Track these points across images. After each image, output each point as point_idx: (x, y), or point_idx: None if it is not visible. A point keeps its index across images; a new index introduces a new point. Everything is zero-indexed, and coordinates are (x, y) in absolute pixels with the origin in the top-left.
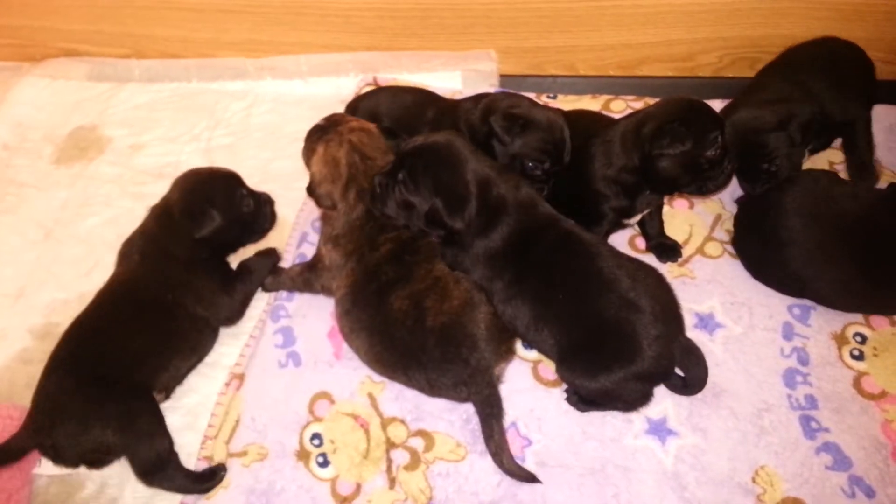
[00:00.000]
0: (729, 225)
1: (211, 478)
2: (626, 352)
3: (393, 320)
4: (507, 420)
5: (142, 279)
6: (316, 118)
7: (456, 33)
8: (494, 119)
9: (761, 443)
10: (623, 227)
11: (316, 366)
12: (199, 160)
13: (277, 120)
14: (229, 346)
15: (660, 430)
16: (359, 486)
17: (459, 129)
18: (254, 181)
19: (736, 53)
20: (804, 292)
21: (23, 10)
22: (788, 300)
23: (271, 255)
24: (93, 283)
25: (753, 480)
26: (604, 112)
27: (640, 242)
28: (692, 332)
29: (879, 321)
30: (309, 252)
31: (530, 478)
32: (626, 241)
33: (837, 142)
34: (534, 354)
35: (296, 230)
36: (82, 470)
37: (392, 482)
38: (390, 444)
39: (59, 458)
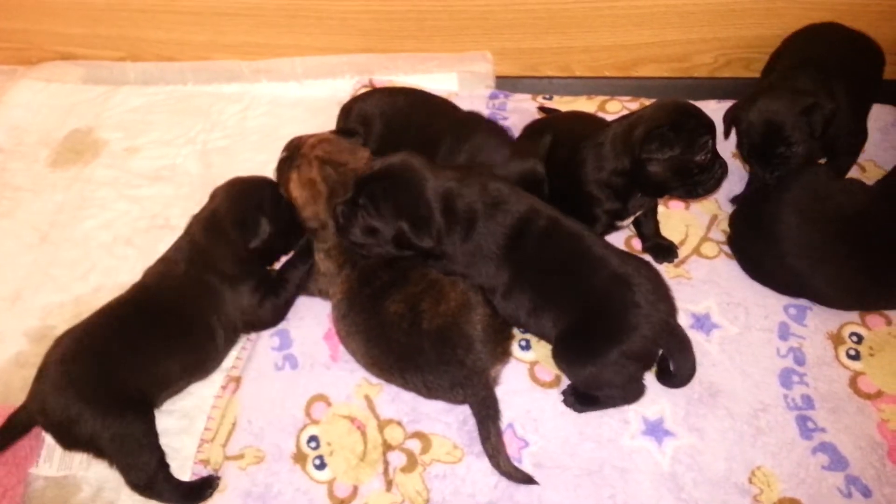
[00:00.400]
0: (725, 225)
1: (201, 491)
2: (619, 327)
3: (389, 324)
4: (504, 421)
5: (181, 290)
6: (312, 120)
7: (452, 35)
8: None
9: (758, 443)
10: (617, 228)
11: (312, 368)
12: (195, 163)
13: (273, 122)
14: None
15: (656, 430)
16: (356, 489)
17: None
18: None
19: (731, 54)
20: (802, 291)
21: (18, 13)
22: (785, 300)
23: (305, 258)
24: (89, 285)
25: (750, 481)
26: (599, 113)
27: (637, 243)
28: (688, 333)
29: (875, 321)
30: None
31: (527, 479)
32: (622, 242)
33: None
34: (530, 355)
35: None
36: (79, 473)
37: (389, 484)
38: (387, 447)
39: (56, 435)
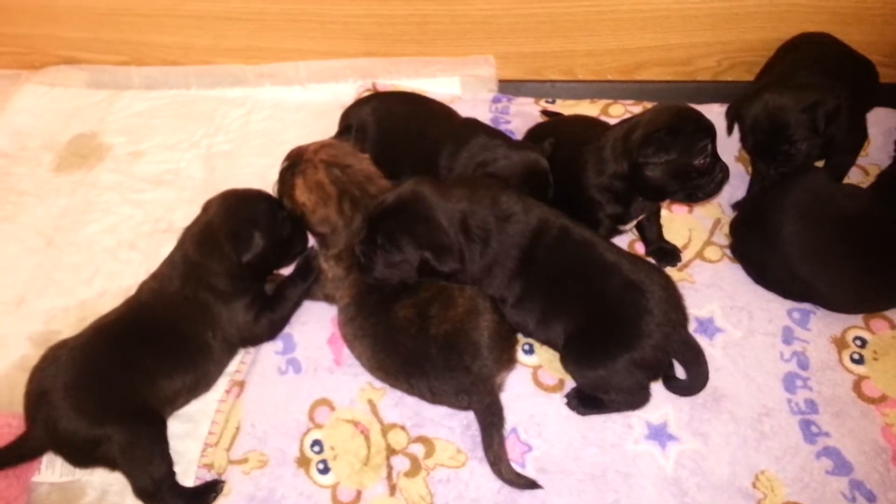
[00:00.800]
0: (728, 229)
1: (205, 496)
2: (631, 333)
3: (398, 328)
4: (508, 426)
5: (176, 308)
6: (315, 124)
7: (454, 39)
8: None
9: (762, 447)
10: (620, 232)
11: (316, 372)
12: (199, 167)
13: (276, 126)
14: None
15: (660, 435)
16: (359, 493)
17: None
18: (253, 187)
19: (735, 57)
20: (808, 296)
21: (22, 17)
22: (788, 304)
23: (306, 275)
24: (93, 290)
25: (754, 485)
26: (602, 117)
27: (640, 247)
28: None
29: (879, 325)
30: None
31: (530, 485)
32: (625, 246)
33: None
34: (534, 360)
35: None
36: (84, 477)
37: (392, 489)
38: (391, 451)
39: (71, 458)
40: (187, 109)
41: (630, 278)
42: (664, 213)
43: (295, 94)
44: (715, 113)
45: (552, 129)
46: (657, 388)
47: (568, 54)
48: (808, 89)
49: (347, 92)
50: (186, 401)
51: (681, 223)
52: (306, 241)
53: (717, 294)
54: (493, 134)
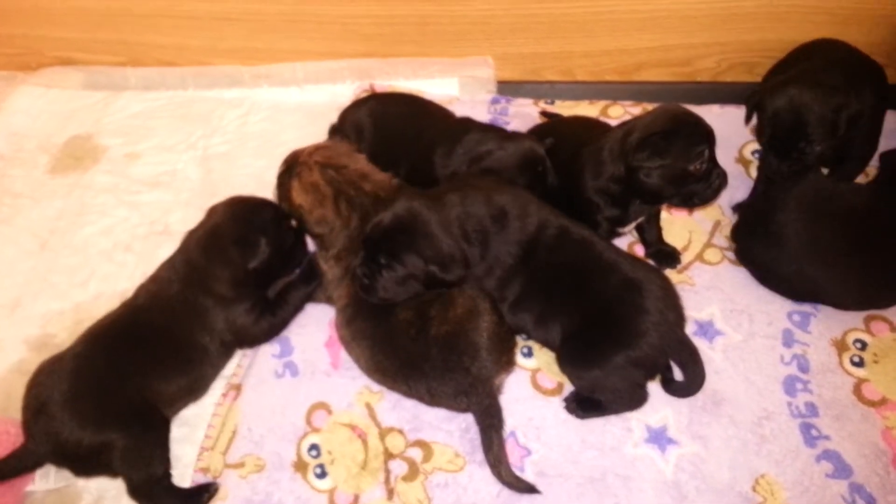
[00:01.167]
0: (728, 232)
1: (199, 498)
2: (627, 332)
3: (397, 331)
4: (507, 429)
5: (174, 311)
6: (312, 126)
7: (453, 40)
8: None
9: (762, 451)
10: (619, 234)
11: (313, 376)
12: (196, 169)
13: (274, 128)
14: None
15: (660, 438)
16: (357, 498)
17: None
18: (250, 189)
19: (734, 58)
20: (814, 293)
21: (18, 18)
22: (788, 307)
23: (309, 281)
24: (88, 292)
25: (754, 489)
26: (601, 118)
27: (640, 249)
28: (692, 340)
29: (880, 327)
30: None
31: (529, 489)
32: (624, 247)
33: None
34: (533, 363)
35: None
36: (79, 482)
37: (390, 493)
38: (388, 455)
39: (75, 468)
40: (184, 111)
41: (629, 277)
42: (664, 215)
43: (292, 96)
44: (714, 114)
45: (551, 130)
46: (656, 391)
47: (567, 55)
48: (835, 90)
49: (345, 93)
50: (185, 404)
51: (681, 225)
52: (306, 251)
53: (716, 297)
54: (486, 129)
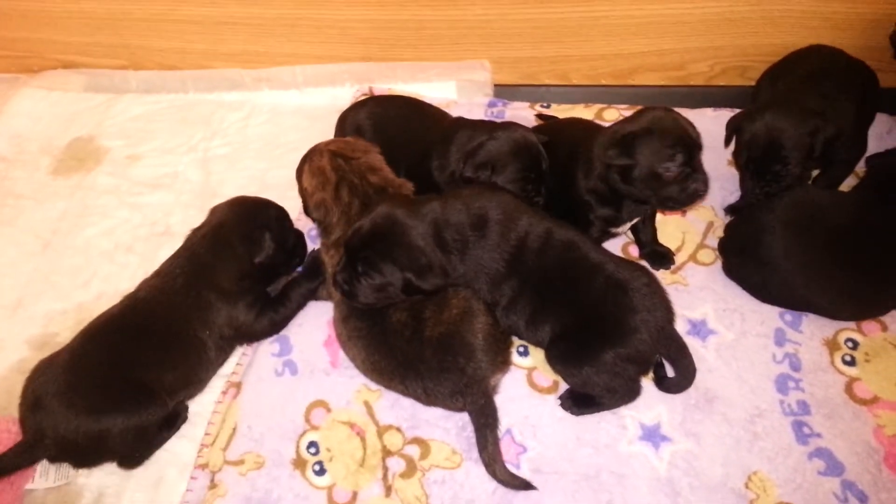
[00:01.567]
0: (721, 232)
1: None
2: (616, 330)
3: (392, 331)
4: (502, 427)
5: (175, 305)
6: (312, 128)
7: (450, 44)
8: (466, 173)
9: (754, 448)
10: (613, 235)
11: (312, 374)
12: (196, 171)
13: (274, 130)
14: None
15: (653, 436)
16: (355, 494)
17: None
18: (251, 191)
19: (727, 62)
20: (808, 308)
21: (20, 22)
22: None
23: (312, 278)
24: (90, 293)
25: (746, 486)
26: (596, 121)
27: (634, 250)
28: (685, 339)
29: (871, 327)
30: None
31: (525, 486)
32: (619, 248)
33: None
34: (528, 362)
35: None
36: (80, 479)
37: (388, 490)
38: (386, 452)
39: (76, 460)
40: (185, 113)
41: (615, 277)
42: (658, 216)
43: (292, 99)
44: (708, 118)
45: (548, 131)
46: (650, 389)
47: (562, 59)
48: (811, 114)
49: (344, 96)
50: (185, 394)
51: (674, 226)
52: (306, 250)
53: (709, 296)
54: (476, 125)
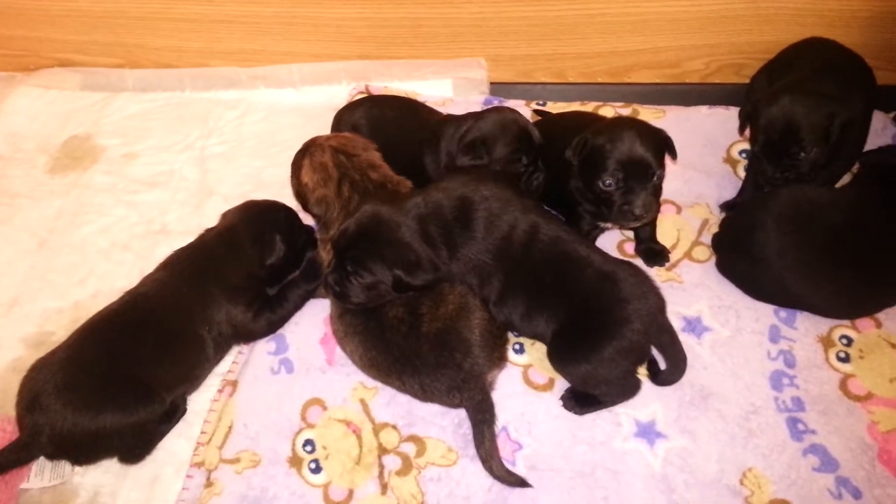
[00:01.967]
0: (716, 230)
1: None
2: (611, 322)
3: (388, 327)
4: (498, 424)
5: (178, 299)
6: (308, 126)
7: (446, 42)
8: (461, 161)
9: (749, 445)
10: (601, 228)
11: (308, 372)
12: (193, 169)
13: (270, 128)
14: None
15: (648, 432)
16: (351, 492)
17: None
18: (247, 189)
19: (722, 60)
20: (802, 306)
21: (16, 20)
22: None
23: (310, 279)
24: (87, 291)
25: (741, 482)
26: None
27: (629, 247)
28: (680, 336)
29: (865, 324)
30: None
31: (520, 482)
32: (614, 244)
33: None
34: (524, 359)
35: None
36: (75, 478)
37: (384, 488)
38: (382, 450)
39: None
40: (181, 112)
41: (603, 270)
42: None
43: (288, 97)
44: (703, 115)
45: (547, 124)
46: (645, 386)
47: (558, 57)
48: (828, 98)
49: (340, 94)
50: (183, 391)
51: (669, 224)
52: (315, 246)
53: (704, 293)
54: (465, 116)
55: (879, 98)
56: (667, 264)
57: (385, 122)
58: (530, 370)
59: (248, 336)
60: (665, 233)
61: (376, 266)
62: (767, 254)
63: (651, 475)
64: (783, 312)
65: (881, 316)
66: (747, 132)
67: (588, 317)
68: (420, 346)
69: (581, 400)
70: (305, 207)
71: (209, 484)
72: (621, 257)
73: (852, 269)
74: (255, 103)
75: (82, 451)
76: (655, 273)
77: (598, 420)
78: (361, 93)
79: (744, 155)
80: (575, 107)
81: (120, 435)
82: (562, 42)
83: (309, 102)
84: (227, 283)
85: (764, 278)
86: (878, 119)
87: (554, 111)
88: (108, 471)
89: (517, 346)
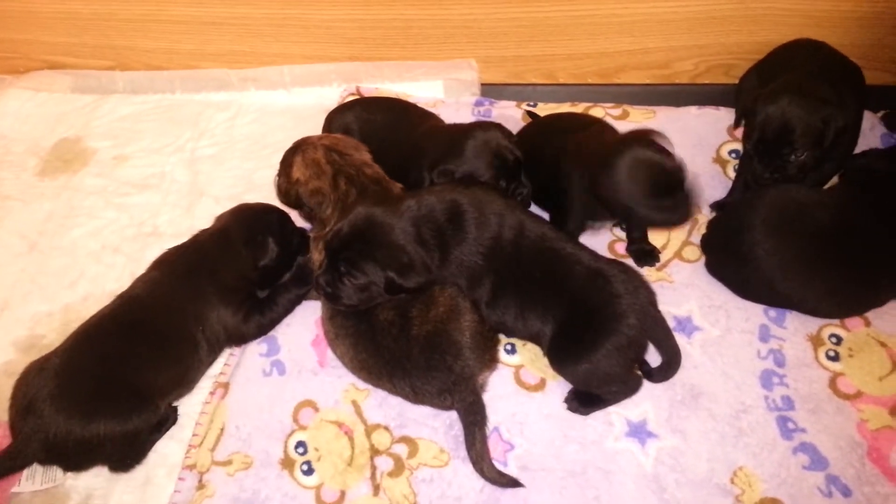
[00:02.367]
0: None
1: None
2: (606, 318)
3: (379, 329)
4: (490, 425)
5: (172, 299)
6: (299, 128)
7: (437, 43)
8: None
9: (739, 444)
10: (591, 227)
11: (300, 374)
12: (184, 171)
13: (261, 130)
14: None
15: (639, 432)
16: (343, 494)
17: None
18: (238, 191)
19: (712, 60)
20: (792, 306)
21: (6, 22)
22: None
23: (300, 284)
24: (77, 294)
25: (732, 481)
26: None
27: (620, 247)
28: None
29: (854, 322)
30: None
31: (512, 483)
32: (605, 245)
33: None
34: (516, 359)
35: None
36: (67, 482)
37: (376, 489)
38: (374, 451)
39: (67, 464)
40: (172, 114)
41: (592, 267)
42: None
43: (279, 98)
44: (692, 115)
45: (542, 124)
46: None
47: (549, 58)
48: (825, 103)
49: (331, 96)
50: (176, 396)
51: None
52: (308, 249)
53: (694, 293)
54: (443, 132)
55: (868, 98)
56: (657, 264)
57: (376, 126)
58: (522, 370)
59: (239, 339)
60: (656, 233)
61: (369, 267)
62: (756, 254)
63: (642, 474)
64: (773, 312)
65: (870, 315)
66: (739, 132)
67: (583, 314)
68: (410, 349)
69: (584, 400)
70: (290, 204)
71: (201, 486)
72: (612, 257)
73: (839, 270)
74: (245, 105)
75: (75, 458)
76: (646, 273)
77: (590, 420)
78: (352, 94)
79: (733, 155)
80: (565, 108)
81: (113, 443)
82: (552, 43)
83: (300, 104)
84: (221, 281)
85: (752, 278)
86: (867, 119)
87: (544, 112)
88: (99, 474)
89: (509, 347)
